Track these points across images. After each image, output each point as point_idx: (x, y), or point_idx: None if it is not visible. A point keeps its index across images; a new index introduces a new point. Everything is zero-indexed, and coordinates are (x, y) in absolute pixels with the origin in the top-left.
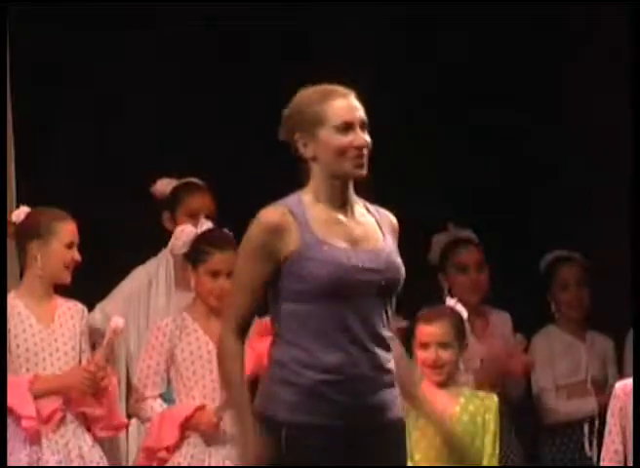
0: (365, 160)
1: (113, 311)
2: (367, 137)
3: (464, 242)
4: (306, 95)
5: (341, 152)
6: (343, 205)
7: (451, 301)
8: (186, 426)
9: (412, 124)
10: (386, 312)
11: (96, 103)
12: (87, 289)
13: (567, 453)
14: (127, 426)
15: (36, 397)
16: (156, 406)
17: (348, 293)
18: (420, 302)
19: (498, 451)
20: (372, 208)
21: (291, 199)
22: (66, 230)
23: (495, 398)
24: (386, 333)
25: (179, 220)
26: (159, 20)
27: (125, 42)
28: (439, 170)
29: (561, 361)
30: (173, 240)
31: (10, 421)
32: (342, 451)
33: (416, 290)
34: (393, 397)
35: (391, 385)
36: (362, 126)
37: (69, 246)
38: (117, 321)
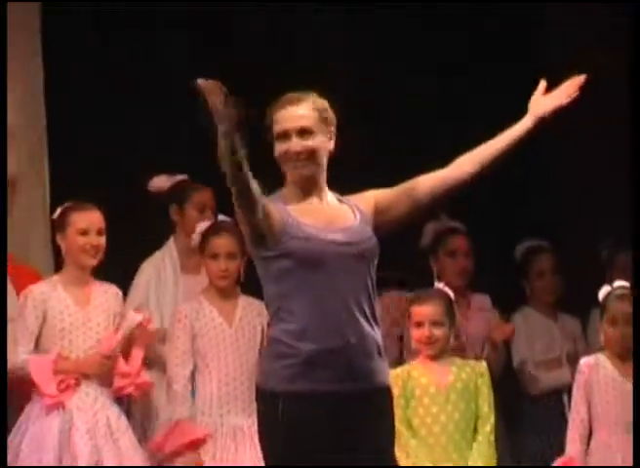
0: (303, 163)
1: (131, 306)
2: (305, 143)
3: (454, 230)
4: (273, 102)
5: (281, 158)
6: (314, 195)
7: (439, 284)
8: None
9: (409, 124)
10: (368, 283)
11: (126, 102)
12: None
13: (548, 421)
14: (149, 388)
15: (57, 373)
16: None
17: (330, 266)
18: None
19: (493, 412)
20: (343, 198)
21: (273, 195)
22: (80, 219)
23: (484, 364)
24: (370, 303)
25: (187, 213)
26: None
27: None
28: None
29: (538, 339)
30: (193, 235)
31: (36, 396)
32: (336, 418)
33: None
34: (379, 365)
35: (378, 353)
36: (301, 132)
37: (83, 233)
38: (134, 316)
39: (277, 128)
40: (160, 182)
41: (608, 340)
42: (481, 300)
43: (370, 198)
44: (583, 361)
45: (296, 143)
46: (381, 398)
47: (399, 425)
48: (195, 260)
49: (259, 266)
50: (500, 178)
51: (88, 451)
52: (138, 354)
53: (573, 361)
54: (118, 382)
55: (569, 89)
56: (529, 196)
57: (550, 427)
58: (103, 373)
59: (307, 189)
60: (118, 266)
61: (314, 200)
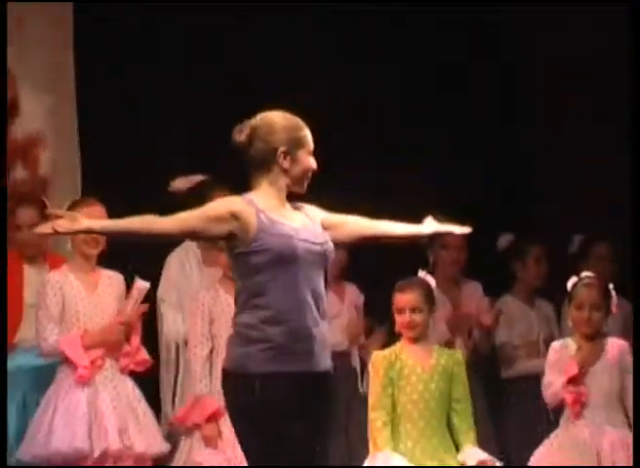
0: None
1: (165, 294)
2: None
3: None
4: (289, 118)
5: (306, 171)
6: (282, 201)
7: (421, 273)
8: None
9: (402, 132)
10: (325, 276)
11: (155, 100)
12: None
13: (528, 404)
14: (149, 364)
15: (86, 349)
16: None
17: (300, 262)
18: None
19: (469, 397)
20: (295, 205)
21: (246, 196)
22: (81, 213)
23: (460, 352)
24: (324, 296)
25: None
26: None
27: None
28: (429, 168)
29: (517, 324)
30: None
31: (69, 371)
32: (305, 395)
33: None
34: (329, 351)
35: (327, 339)
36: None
37: (88, 231)
38: (142, 283)
39: (309, 146)
40: (180, 184)
41: (575, 323)
42: (473, 287)
43: (319, 214)
44: (554, 343)
45: (314, 162)
46: (328, 381)
47: (378, 405)
48: (214, 254)
49: (232, 261)
50: (489, 180)
51: (115, 419)
52: (136, 336)
53: (548, 344)
54: (122, 362)
55: (457, 230)
56: (513, 194)
57: (530, 410)
58: (121, 340)
59: (280, 197)
60: (146, 258)
61: (283, 205)
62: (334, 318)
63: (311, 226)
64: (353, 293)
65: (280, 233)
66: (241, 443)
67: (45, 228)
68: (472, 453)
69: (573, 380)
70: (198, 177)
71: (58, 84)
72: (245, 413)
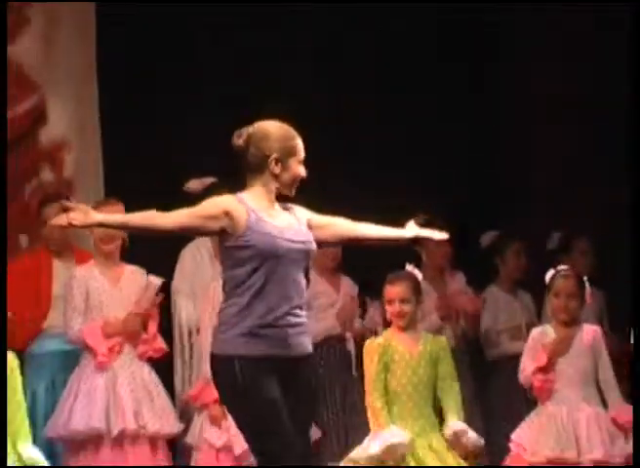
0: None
1: (179, 285)
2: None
3: (434, 224)
4: (283, 128)
5: (296, 177)
6: (272, 202)
7: (409, 267)
8: None
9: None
10: (306, 270)
11: (177, 104)
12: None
13: (511, 383)
14: (164, 351)
15: (106, 337)
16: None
17: (282, 258)
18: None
19: (455, 376)
20: (285, 206)
21: (240, 195)
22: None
23: (444, 338)
24: (304, 289)
25: None
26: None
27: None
28: (415, 172)
29: (502, 311)
30: None
31: (90, 357)
32: (281, 376)
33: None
34: (307, 337)
35: (306, 326)
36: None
37: (100, 225)
38: (154, 280)
39: (300, 155)
40: (194, 185)
41: (553, 310)
42: (458, 278)
43: (306, 215)
44: (534, 329)
45: (304, 170)
46: (307, 364)
47: (374, 388)
48: None
49: (221, 253)
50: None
51: (131, 402)
52: (153, 325)
53: (529, 329)
54: (140, 349)
55: (436, 236)
56: (496, 192)
57: (513, 389)
58: (139, 329)
59: (270, 198)
60: (160, 253)
61: (272, 206)
62: (330, 307)
63: (296, 226)
64: (348, 285)
65: (265, 231)
66: (234, 420)
67: (60, 220)
68: (452, 425)
69: (542, 369)
70: (210, 180)
71: (81, 94)
72: (228, 394)
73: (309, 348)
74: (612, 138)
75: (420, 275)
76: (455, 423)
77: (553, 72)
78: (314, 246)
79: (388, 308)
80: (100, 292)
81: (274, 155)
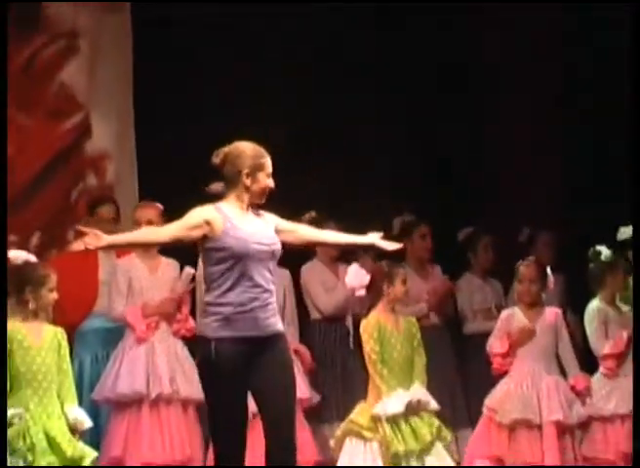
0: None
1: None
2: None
3: (416, 222)
4: (254, 148)
5: (264, 188)
6: (245, 210)
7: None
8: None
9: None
10: (271, 269)
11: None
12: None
13: (482, 354)
14: (195, 330)
15: (145, 317)
16: None
17: (251, 257)
18: None
19: (422, 350)
20: (258, 212)
21: (220, 204)
22: (136, 213)
23: (414, 319)
24: (272, 280)
25: None
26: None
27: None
28: (398, 176)
29: (475, 295)
30: None
31: (131, 333)
32: (252, 355)
33: None
34: (276, 319)
35: (274, 310)
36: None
37: (137, 223)
38: (189, 270)
39: (268, 170)
40: (215, 187)
41: (518, 295)
42: (436, 269)
43: (274, 220)
44: (504, 311)
45: (272, 182)
46: (278, 340)
47: (377, 359)
48: None
49: (202, 254)
50: (448, 180)
51: (167, 370)
52: (185, 307)
53: (499, 311)
54: (174, 327)
55: (389, 246)
56: (470, 192)
57: (486, 360)
58: (173, 313)
59: (243, 207)
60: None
61: (245, 213)
62: (331, 290)
63: (264, 230)
64: (345, 272)
65: (238, 236)
66: (204, 394)
67: (78, 245)
68: (413, 389)
69: (503, 354)
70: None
71: (119, 112)
72: (201, 370)
73: (278, 326)
74: (576, 142)
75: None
76: (415, 388)
77: (532, 73)
78: (279, 246)
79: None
80: (140, 280)
81: (245, 170)
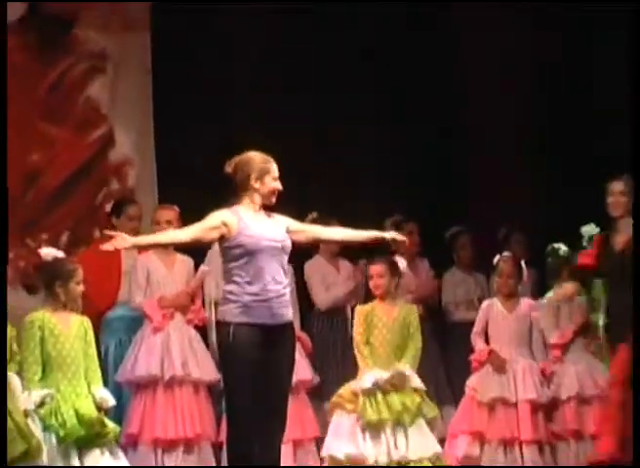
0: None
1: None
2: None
3: (405, 220)
4: (261, 156)
5: (273, 191)
6: (258, 211)
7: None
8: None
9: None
10: (284, 263)
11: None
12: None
13: (465, 341)
14: (207, 320)
15: (162, 308)
16: None
17: (263, 253)
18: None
19: (417, 336)
20: (269, 214)
21: (235, 207)
22: (156, 214)
23: (414, 306)
24: (285, 273)
25: None
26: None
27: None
28: (387, 179)
29: (459, 288)
30: None
31: (149, 322)
32: (265, 340)
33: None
34: (288, 310)
35: (287, 301)
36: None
37: (157, 224)
38: (204, 268)
39: (274, 174)
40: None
41: (497, 287)
42: (424, 264)
43: (286, 221)
44: (484, 302)
45: (279, 184)
46: (288, 328)
47: (361, 340)
48: None
49: (221, 251)
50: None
51: (179, 355)
52: (198, 300)
53: (482, 301)
54: (188, 316)
55: (387, 236)
56: (460, 195)
57: (468, 347)
58: (187, 305)
59: (255, 209)
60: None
61: (258, 214)
62: (332, 285)
63: (275, 229)
64: (346, 268)
65: (251, 234)
66: (222, 376)
67: (108, 246)
68: (397, 366)
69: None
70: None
71: (140, 123)
72: (221, 352)
73: (289, 316)
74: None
75: (400, 260)
76: (400, 365)
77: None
78: (289, 243)
79: (370, 282)
80: (157, 274)
81: (254, 174)
